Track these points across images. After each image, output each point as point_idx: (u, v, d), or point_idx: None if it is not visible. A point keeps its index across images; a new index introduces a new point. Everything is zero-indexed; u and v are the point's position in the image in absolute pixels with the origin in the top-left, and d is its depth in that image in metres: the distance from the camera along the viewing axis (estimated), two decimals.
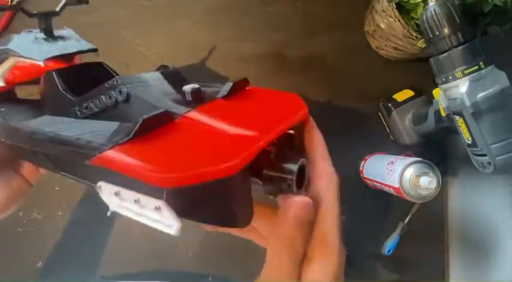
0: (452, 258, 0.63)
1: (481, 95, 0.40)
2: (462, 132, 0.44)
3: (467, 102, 0.41)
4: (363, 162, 0.60)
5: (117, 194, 0.24)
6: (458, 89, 0.41)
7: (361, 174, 0.60)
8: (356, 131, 0.62)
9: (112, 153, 0.22)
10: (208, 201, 0.23)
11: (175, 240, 0.60)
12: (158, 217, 0.23)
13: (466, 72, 0.40)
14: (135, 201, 0.23)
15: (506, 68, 0.41)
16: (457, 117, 0.44)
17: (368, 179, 0.58)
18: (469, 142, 0.44)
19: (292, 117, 0.27)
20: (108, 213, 0.25)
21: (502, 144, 0.41)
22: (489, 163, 0.43)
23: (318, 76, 0.61)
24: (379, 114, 0.61)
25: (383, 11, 0.52)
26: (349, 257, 0.61)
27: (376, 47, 0.61)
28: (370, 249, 0.61)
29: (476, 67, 0.40)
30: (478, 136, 0.42)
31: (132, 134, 0.22)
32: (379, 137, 0.62)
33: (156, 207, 0.22)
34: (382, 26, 0.53)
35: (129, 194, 0.23)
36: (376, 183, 0.56)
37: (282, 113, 0.28)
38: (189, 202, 0.23)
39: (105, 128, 0.26)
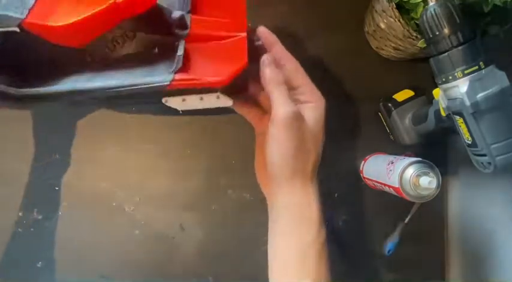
0: (452, 258, 0.63)
1: (481, 95, 0.40)
2: (462, 132, 0.44)
3: (467, 102, 0.41)
4: (363, 162, 0.60)
5: (184, 100, 0.39)
6: (458, 89, 0.41)
7: (361, 174, 0.60)
8: (356, 131, 0.62)
9: (178, 77, 0.36)
10: (237, 85, 0.38)
11: (175, 240, 0.60)
12: (218, 102, 0.39)
13: (466, 72, 0.40)
14: (200, 98, 0.39)
15: (506, 68, 0.41)
16: (457, 117, 0.44)
17: (368, 179, 0.58)
18: (469, 142, 0.44)
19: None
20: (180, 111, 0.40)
21: (502, 144, 0.41)
22: (489, 163, 0.43)
23: (317, 76, 0.61)
24: (379, 114, 0.61)
25: (383, 11, 0.52)
26: (349, 257, 0.61)
27: (376, 47, 0.61)
28: (370, 249, 0.61)
29: (476, 67, 0.40)
30: (478, 136, 0.42)
31: (181, 63, 0.36)
32: (379, 137, 0.62)
33: (217, 97, 0.39)
34: (382, 26, 0.53)
35: (193, 97, 0.39)
36: (376, 183, 0.56)
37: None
38: (228, 89, 0.38)
39: (150, 69, 0.38)
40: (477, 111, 0.41)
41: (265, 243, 0.61)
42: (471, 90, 0.40)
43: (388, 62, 0.61)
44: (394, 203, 0.59)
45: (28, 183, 0.59)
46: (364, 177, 0.60)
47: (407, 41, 0.51)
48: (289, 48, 0.61)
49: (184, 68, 0.37)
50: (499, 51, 0.45)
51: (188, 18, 0.40)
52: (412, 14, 0.49)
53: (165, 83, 0.36)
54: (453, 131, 0.46)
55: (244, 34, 0.40)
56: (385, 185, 0.52)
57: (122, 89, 0.36)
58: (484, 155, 0.43)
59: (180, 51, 0.37)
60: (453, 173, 0.63)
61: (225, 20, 0.41)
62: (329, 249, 0.61)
